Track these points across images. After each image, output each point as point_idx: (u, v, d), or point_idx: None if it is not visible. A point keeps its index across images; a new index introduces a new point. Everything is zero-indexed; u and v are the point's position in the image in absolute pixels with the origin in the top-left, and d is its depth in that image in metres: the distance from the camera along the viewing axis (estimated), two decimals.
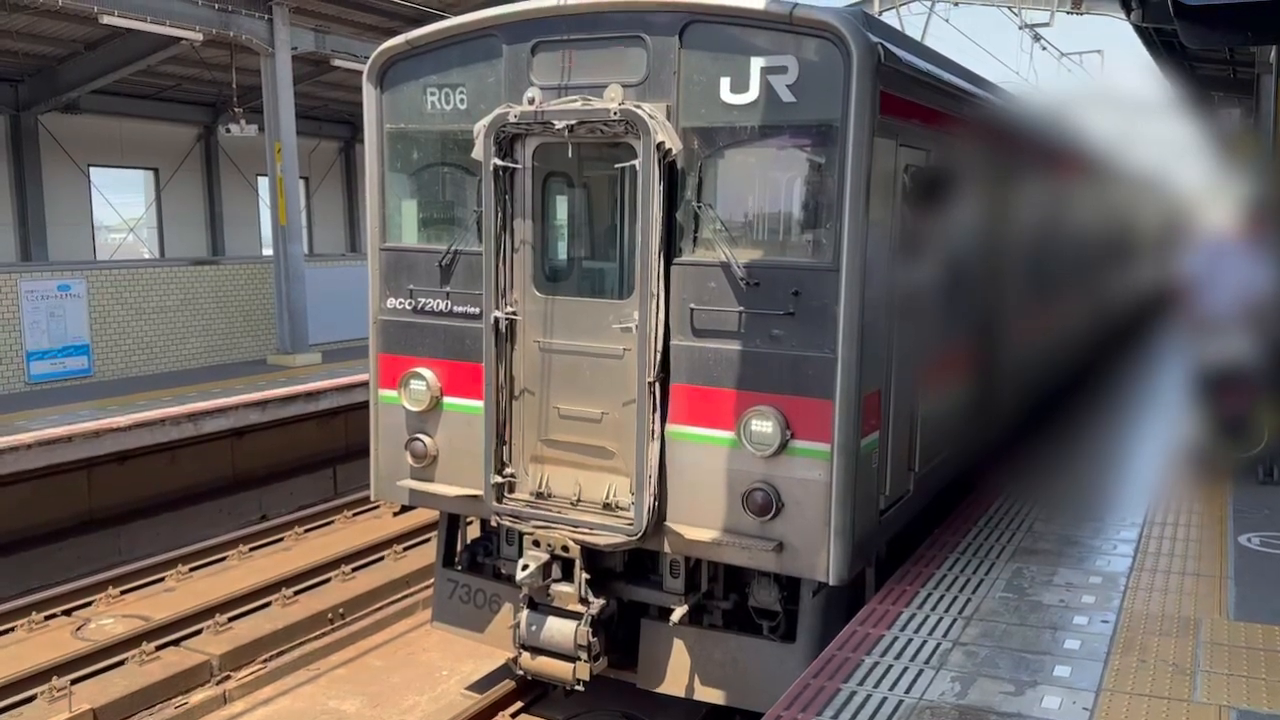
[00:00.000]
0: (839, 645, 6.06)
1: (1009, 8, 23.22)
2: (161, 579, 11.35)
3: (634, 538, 6.75)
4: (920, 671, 5.68)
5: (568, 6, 6.77)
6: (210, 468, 14.16)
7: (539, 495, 7.17)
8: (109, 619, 10.27)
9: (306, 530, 12.99)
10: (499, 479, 7.19)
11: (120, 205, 22.81)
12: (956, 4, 23.57)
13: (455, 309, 7.43)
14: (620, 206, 7.08)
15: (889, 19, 21.73)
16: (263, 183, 23.41)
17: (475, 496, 7.34)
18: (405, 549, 12.09)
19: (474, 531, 8.41)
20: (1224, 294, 9.39)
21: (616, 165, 6.72)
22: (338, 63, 18.70)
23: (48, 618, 10.28)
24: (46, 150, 20.38)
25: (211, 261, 19.44)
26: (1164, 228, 21.35)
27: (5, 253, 19.97)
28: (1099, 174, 13.94)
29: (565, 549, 6.97)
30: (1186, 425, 11.17)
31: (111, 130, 21.77)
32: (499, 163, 6.92)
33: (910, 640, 6.09)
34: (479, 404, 7.22)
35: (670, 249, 6.58)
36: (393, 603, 10.83)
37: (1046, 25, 23.28)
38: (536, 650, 7.29)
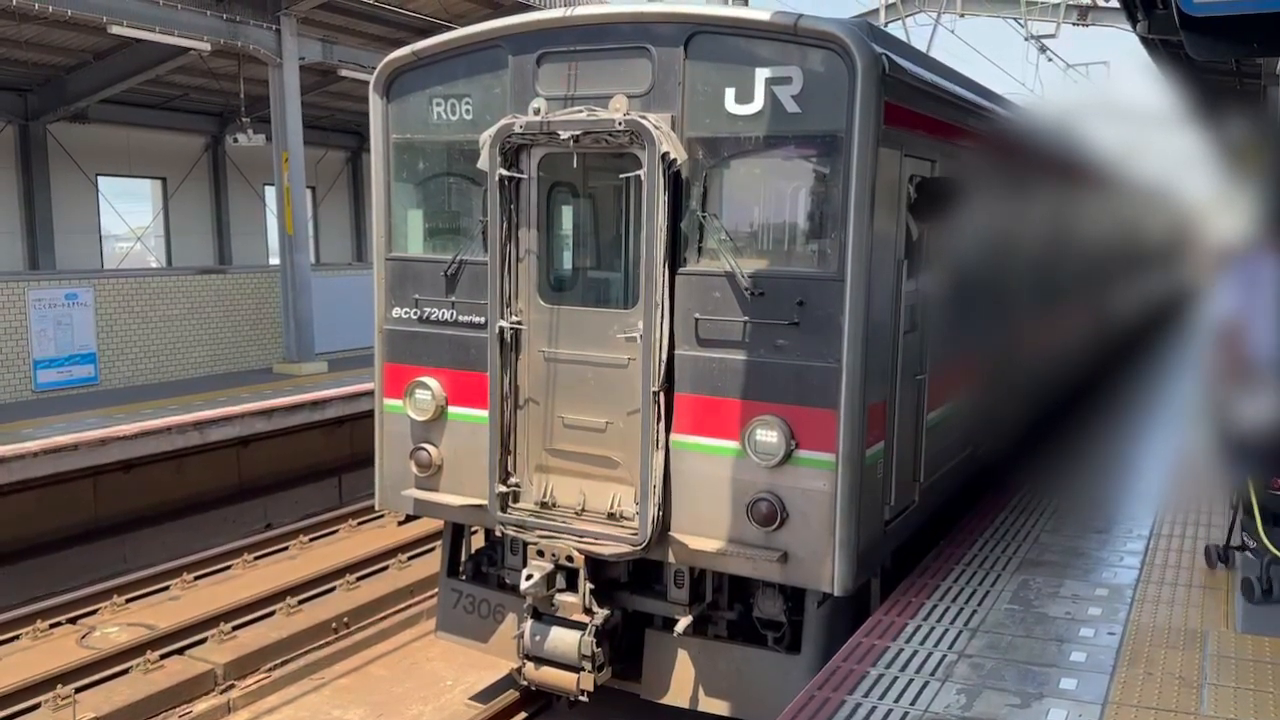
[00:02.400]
0: (844, 657, 6.04)
1: (1015, 19, 23.24)
2: (166, 588, 11.35)
3: (638, 548, 6.74)
4: (926, 683, 5.65)
5: (573, 18, 6.80)
6: (216, 476, 14.15)
7: (543, 505, 7.17)
8: (114, 627, 10.27)
9: (311, 539, 12.99)
10: (503, 488, 7.19)
11: (128, 214, 22.88)
12: (962, 15, 23.59)
13: (460, 318, 7.44)
14: (625, 216, 7.10)
15: (894, 30, 21.78)
16: (270, 192, 23.49)
17: (480, 506, 7.34)
18: (410, 558, 12.07)
19: (479, 541, 8.40)
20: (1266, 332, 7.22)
21: (621, 175, 6.73)
22: (345, 73, 18.76)
23: (52, 626, 10.28)
24: (55, 159, 20.46)
25: (218, 270, 19.50)
26: (1170, 240, 21.32)
27: (13, 261, 20.04)
28: (1105, 185, 13.93)
29: (569, 559, 6.96)
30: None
31: (119, 140, 21.85)
32: (504, 173, 6.93)
33: (916, 652, 6.07)
34: (484, 413, 7.22)
35: (675, 259, 6.59)
36: (397, 612, 10.81)
37: (1052, 36, 23.33)
38: (540, 660, 7.27)
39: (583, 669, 7.11)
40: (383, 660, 9.90)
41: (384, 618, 10.70)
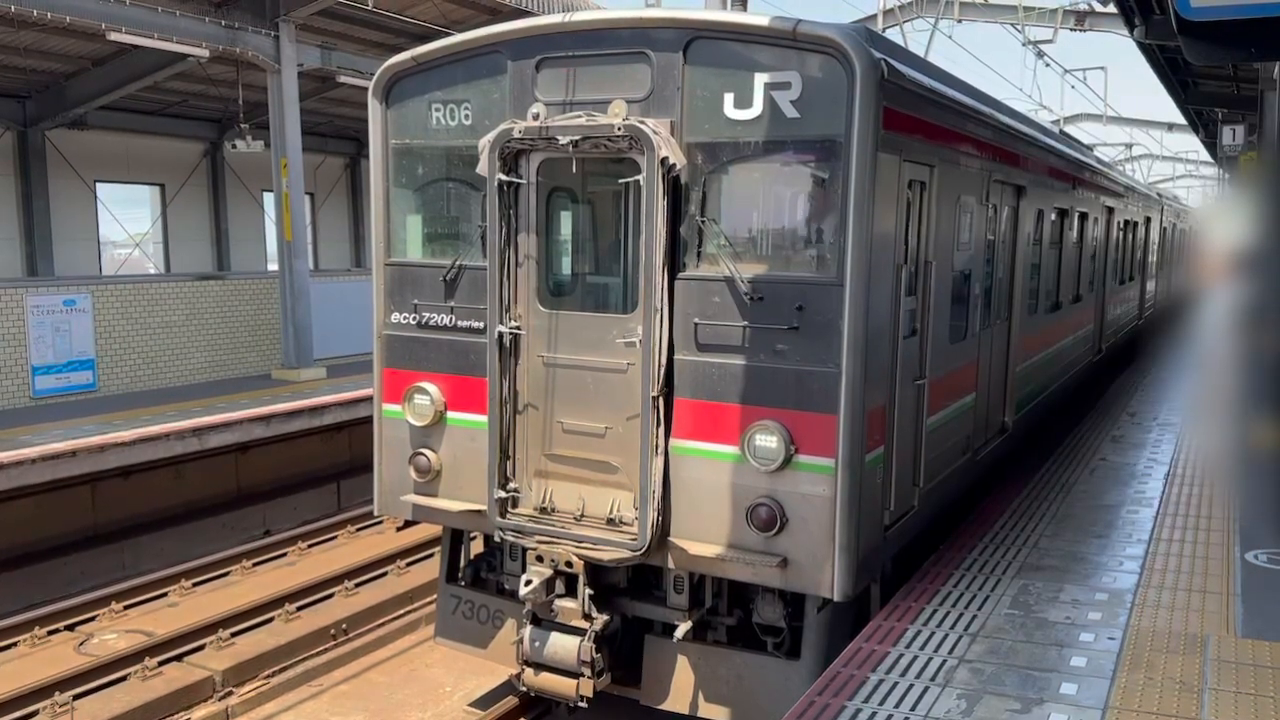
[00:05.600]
0: (844, 662, 6.02)
1: (1012, 24, 23.25)
2: (165, 594, 11.34)
3: (638, 553, 6.73)
4: (926, 689, 5.64)
5: (572, 23, 6.81)
6: (214, 482, 14.15)
7: (542, 510, 7.16)
8: (112, 634, 10.25)
9: (310, 545, 12.97)
10: (502, 494, 7.18)
11: (126, 221, 22.91)
12: (960, 21, 23.59)
13: (459, 324, 7.44)
14: (624, 221, 7.09)
15: (892, 35, 21.81)
16: (268, 198, 23.52)
17: (479, 511, 7.33)
18: (409, 564, 12.06)
19: (478, 547, 8.39)
20: None
21: (621, 180, 6.73)
22: (344, 79, 18.78)
23: (50, 633, 10.26)
24: (53, 166, 20.48)
25: (217, 277, 19.50)
26: (1169, 245, 21.33)
27: (12, 268, 20.05)
28: (1104, 189, 13.96)
29: (569, 564, 6.95)
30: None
31: (118, 146, 21.87)
32: (503, 178, 6.93)
33: (916, 657, 6.06)
34: (483, 419, 7.21)
35: (674, 264, 6.59)
36: (396, 618, 10.81)
37: (1050, 42, 23.33)
38: (540, 666, 7.26)
39: (582, 675, 7.09)
40: (382, 666, 9.89)
41: (383, 624, 10.69)
